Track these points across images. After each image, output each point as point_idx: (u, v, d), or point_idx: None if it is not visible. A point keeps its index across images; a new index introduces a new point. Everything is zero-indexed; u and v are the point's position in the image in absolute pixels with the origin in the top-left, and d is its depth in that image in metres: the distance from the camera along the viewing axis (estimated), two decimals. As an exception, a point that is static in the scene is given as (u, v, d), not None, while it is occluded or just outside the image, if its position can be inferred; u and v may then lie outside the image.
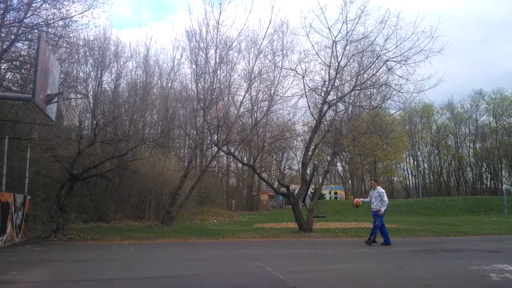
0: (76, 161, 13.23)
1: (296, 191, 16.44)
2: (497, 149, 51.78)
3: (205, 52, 20.74)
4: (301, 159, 19.84)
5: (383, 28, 13.49)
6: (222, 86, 20.61)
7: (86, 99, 19.75)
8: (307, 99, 16.03)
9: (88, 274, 6.52)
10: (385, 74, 14.49)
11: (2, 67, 13.38)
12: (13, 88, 13.35)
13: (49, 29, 12.54)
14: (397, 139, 25.20)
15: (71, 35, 13.31)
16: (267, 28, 29.45)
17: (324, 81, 14.90)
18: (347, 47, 14.42)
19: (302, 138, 24.70)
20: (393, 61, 13.77)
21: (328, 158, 32.01)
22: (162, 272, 6.61)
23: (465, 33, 78.31)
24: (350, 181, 50.77)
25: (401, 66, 13.70)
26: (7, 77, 13.88)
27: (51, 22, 12.21)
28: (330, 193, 47.29)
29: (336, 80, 15.16)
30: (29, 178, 12.26)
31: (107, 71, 26.53)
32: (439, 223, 18.97)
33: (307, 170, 16.03)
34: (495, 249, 9.71)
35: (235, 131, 18.16)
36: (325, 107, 15.10)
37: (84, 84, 24.17)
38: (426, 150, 57.87)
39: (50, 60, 8.46)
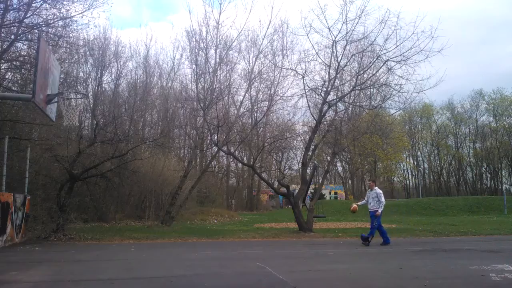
0: (76, 161, 13.23)
1: (296, 191, 16.44)
2: (497, 149, 51.79)
3: (205, 52, 20.75)
4: (301, 159, 19.84)
5: (383, 28, 13.51)
6: (222, 86, 20.61)
7: (86, 99, 19.75)
8: (307, 99, 16.05)
9: (88, 274, 6.52)
10: (385, 74, 14.51)
11: (2, 67, 13.38)
12: (13, 88, 13.35)
13: (49, 29, 12.55)
14: (397, 139, 25.23)
15: (71, 35, 13.35)
16: (267, 28, 29.54)
17: (324, 81, 14.92)
18: (347, 47, 14.44)
19: (302, 138, 24.74)
20: (393, 61, 13.79)
21: (328, 158, 32.03)
22: (162, 272, 6.61)
23: (465, 33, 78.43)
24: (350, 181, 50.77)
25: (401, 66, 13.73)
26: (7, 77, 13.89)
27: (51, 22, 12.22)
28: (330, 193, 47.29)
29: (336, 80, 15.16)
30: (29, 178, 12.26)
31: (107, 71, 26.59)
32: (439, 223, 18.97)
33: (307, 170, 16.03)
34: (495, 249, 9.70)
35: (235, 131, 18.16)
36: (325, 107, 15.10)
37: (84, 84, 24.21)
38: (426, 150, 57.94)
39: (50, 60, 8.46)
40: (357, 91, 15.28)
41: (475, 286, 5.61)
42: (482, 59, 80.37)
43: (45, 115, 8.69)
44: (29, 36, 12.33)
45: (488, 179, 55.98)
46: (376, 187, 10.89)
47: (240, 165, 37.95)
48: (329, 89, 14.79)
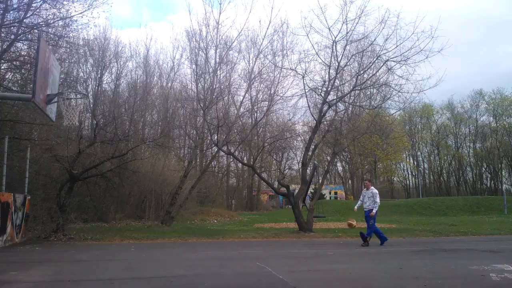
0: (76, 161, 13.23)
1: (296, 191, 16.44)
2: (497, 149, 51.81)
3: (205, 52, 20.75)
4: (301, 159, 19.84)
5: (383, 28, 13.52)
6: (222, 86, 20.61)
7: (86, 99, 19.68)
8: (307, 99, 16.06)
9: (88, 274, 6.52)
10: (385, 74, 14.52)
11: (2, 67, 13.38)
12: (13, 88, 13.34)
13: (49, 29, 12.54)
14: (397, 139, 25.24)
15: (71, 35, 13.34)
16: (267, 28, 29.62)
17: (324, 81, 14.92)
18: (347, 47, 14.44)
19: (302, 138, 24.75)
20: (393, 61, 13.79)
21: (328, 158, 32.03)
22: (162, 272, 6.61)
23: (465, 33, 78.43)
24: (350, 181, 50.80)
25: (401, 66, 13.73)
26: (7, 77, 13.88)
27: (51, 22, 12.21)
28: (330, 193, 47.28)
29: (336, 80, 15.16)
30: (29, 178, 12.26)
31: (107, 71, 26.61)
32: (439, 223, 18.97)
33: (307, 170, 16.03)
34: (495, 249, 9.71)
35: (235, 131, 18.17)
36: (325, 107, 15.10)
37: (84, 84, 24.23)
38: (426, 150, 57.96)
39: (50, 60, 8.46)
40: (357, 91, 15.29)
41: (475, 286, 5.60)
42: (482, 59, 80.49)
43: (45, 115, 8.68)
44: (29, 36, 12.32)
45: (488, 179, 56.02)
46: (372, 187, 10.85)
47: (240, 165, 37.96)
48: (329, 89, 14.79)
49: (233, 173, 41.33)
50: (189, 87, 25.68)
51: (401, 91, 14.15)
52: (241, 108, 22.38)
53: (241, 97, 23.20)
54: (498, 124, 52.57)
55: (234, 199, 38.68)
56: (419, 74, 21.48)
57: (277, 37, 22.58)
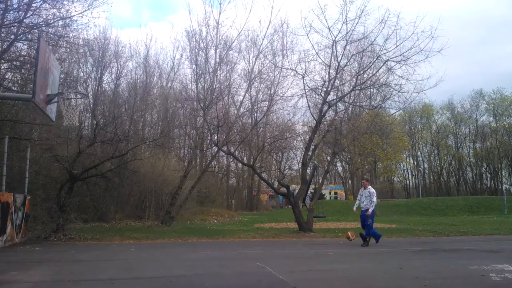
0: (76, 161, 13.23)
1: (296, 191, 16.44)
2: (497, 149, 51.82)
3: (205, 52, 20.76)
4: (301, 159, 19.84)
5: (383, 28, 13.52)
6: (222, 86, 20.62)
7: (86, 99, 19.69)
8: (307, 99, 16.06)
9: (88, 274, 6.52)
10: (385, 74, 14.52)
11: (2, 67, 13.37)
12: (13, 88, 13.33)
13: (49, 29, 12.54)
14: (397, 139, 25.21)
15: (71, 35, 13.32)
16: (267, 28, 29.63)
17: (324, 81, 14.92)
18: (347, 47, 14.45)
19: (302, 138, 24.73)
20: (393, 61, 13.79)
21: (328, 158, 32.00)
22: (162, 272, 6.61)
23: (465, 33, 78.46)
24: (350, 181, 50.73)
25: (401, 66, 13.74)
26: (7, 77, 13.87)
27: (51, 22, 12.20)
28: (330, 193, 47.30)
29: (336, 80, 15.17)
30: (29, 178, 12.25)
31: (107, 71, 26.61)
32: (439, 223, 18.98)
33: (307, 170, 16.04)
34: (495, 249, 9.71)
35: (235, 131, 18.17)
36: (325, 107, 15.10)
37: (84, 84, 24.23)
38: (426, 150, 57.97)
39: (50, 60, 8.45)
40: (357, 91, 15.29)
41: (475, 286, 5.60)
42: (482, 59, 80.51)
43: (45, 115, 8.68)
44: (29, 36, 12.32)
45: (488, 179, 56.03)
46: (370, 186, 10.86)
47: (240, 165, 37.97)
48: (329, 89, 14.79)
49: (233, 173, 41.34)
50: (189, 87, 25.72)
51: (401, 91, 14.18)
52: (241, 108, 22.41)
53: (241, 97, 23.25)
54: (498, 124, 52.59)
55: (234, 199, 38.69)
56: (419, 74, 21.47)
57: (277, 37, 22.61)
